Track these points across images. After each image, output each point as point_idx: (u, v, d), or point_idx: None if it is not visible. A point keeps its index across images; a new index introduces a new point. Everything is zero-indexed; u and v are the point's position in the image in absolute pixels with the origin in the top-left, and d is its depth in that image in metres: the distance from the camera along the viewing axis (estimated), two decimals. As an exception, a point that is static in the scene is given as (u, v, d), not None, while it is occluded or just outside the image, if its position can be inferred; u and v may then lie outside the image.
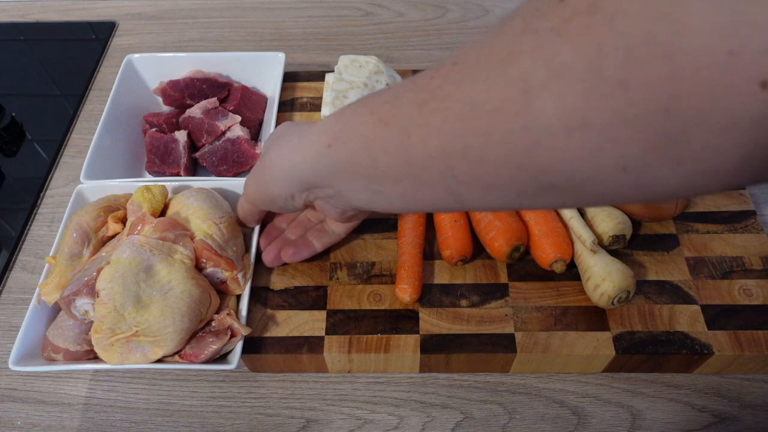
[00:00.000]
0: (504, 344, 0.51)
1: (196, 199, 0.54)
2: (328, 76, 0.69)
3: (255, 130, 0.70)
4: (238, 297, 0.53)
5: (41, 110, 0.77)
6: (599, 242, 0.54)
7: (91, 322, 0.49)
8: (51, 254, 0.53)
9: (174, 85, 0.69)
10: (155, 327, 0.47)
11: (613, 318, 0.52)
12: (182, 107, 0.70)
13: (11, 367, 0.47)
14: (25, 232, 0.65)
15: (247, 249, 0.55)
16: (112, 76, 0.80)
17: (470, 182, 0.30)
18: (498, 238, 0.53)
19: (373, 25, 0.86)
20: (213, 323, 0.50)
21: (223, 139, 0.66)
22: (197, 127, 0.66)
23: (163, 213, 0.55)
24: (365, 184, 0.37)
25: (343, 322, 0.52)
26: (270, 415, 0.52)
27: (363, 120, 0.35)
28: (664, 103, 0.21)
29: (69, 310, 0.48)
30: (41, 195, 0.68)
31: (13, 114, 0.75)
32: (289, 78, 0.73)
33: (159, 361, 0.48)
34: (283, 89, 0.71)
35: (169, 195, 0.57)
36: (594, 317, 0.52)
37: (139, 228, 0.51)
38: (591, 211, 0.55)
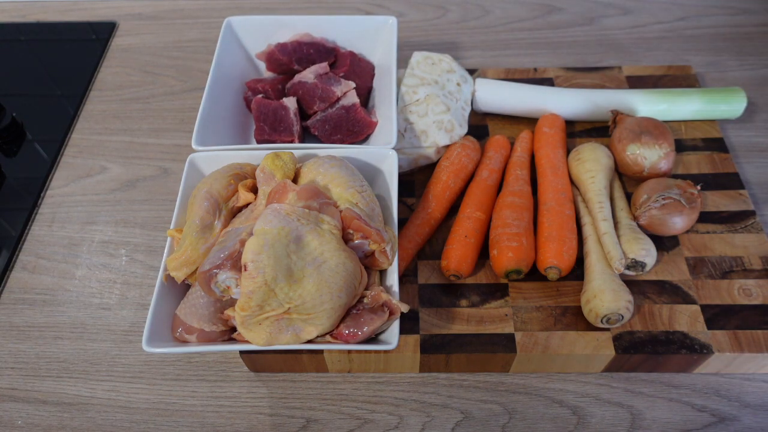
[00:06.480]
0: (504, 344, 0.51)
1: (332, 167, 0.49)
2: (399, 72, 0.68)
3: (363, 98, 0.66)
4: (379, 273, 0.50)
5: (41, 110, 0.77)
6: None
7: (228, 300, 0.45)
8: (172, 227, 0.50)
9: (282, 48, 0.65)
10: (310, 304, 0.42)
11: (613, 318, 0.52)
12: (286, 73, 0.66)
13: (145, 348, 0.44)
14: (25, 232, 0.65)
15: (386, 221, 0.51)
16: (113, 76, 0.81)
17: None
18: (500, 256, 0.53)
19: (373, 25, 0.86)
20: (365, 300, 0.46)
21: (337, 106, 0.62)
22: (309, 93, 0.62)
23: (294, 182, 0.50)
24: None
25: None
26: (270, 415, 0.52)
27: None
28: None
29: (208, 286, 0.44)
30: (41, 195, 0.69)
31: (14, 114, 0.76)
32: (289, 78, 0.73)
33: (310, 341, 0.44)
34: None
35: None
36: (594, 317, 0.52)
37: (279, 196, 0.47)
38: (619, 231, 0.54)
